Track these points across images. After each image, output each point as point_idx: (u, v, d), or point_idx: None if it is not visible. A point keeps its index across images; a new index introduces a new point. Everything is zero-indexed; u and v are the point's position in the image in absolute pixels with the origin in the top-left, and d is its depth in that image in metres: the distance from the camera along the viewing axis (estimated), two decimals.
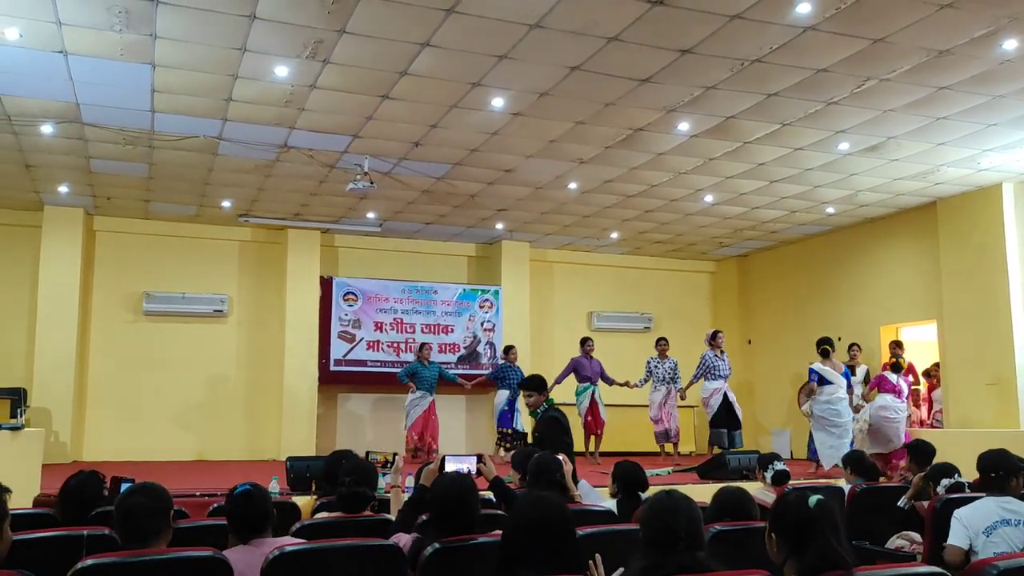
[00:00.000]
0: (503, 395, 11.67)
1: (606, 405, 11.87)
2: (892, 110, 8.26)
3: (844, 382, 9.76)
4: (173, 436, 12.22)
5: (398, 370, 12.07)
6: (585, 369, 11.74)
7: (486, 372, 12.63)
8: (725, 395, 11.07)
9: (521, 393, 11.26)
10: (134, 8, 6.22)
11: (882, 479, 7.73)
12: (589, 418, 11.60)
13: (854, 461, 6.33)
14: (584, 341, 11.91)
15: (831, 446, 9.50)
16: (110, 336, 12.35)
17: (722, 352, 11.30)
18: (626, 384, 11.76)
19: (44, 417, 11.07)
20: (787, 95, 7.87)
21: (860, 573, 2.59)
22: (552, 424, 6.29)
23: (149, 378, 12.33)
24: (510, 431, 11.51)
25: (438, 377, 11.70)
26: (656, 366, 11.61)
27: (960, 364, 11.09)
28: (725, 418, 11.06)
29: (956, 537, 4.14)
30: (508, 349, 12.20)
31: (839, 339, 12.73)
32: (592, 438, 11.63)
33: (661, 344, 11.72)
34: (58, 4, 6.16)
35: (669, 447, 11.56)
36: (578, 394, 11.74)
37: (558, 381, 11.66)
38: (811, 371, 9.83)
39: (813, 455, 10.22)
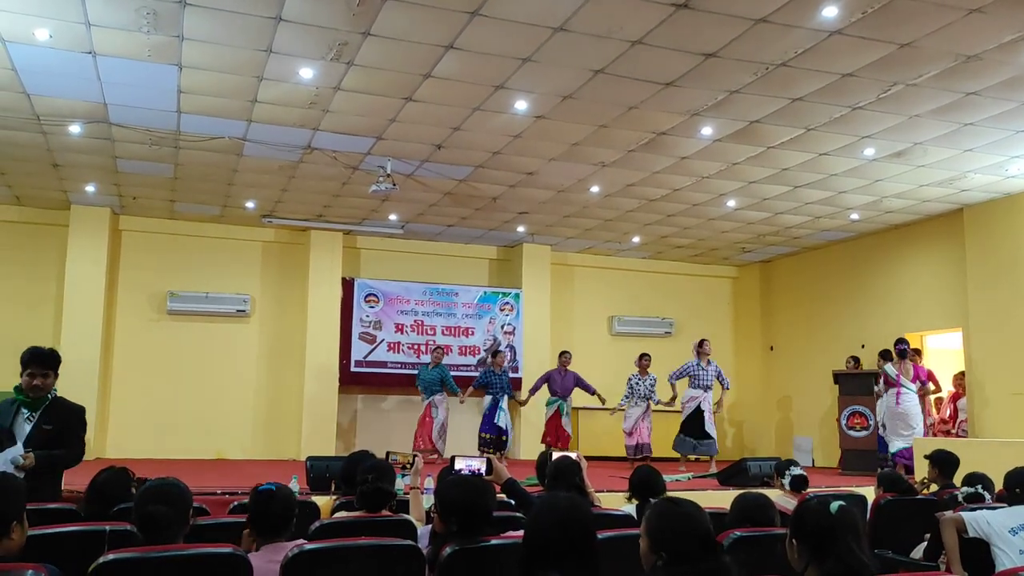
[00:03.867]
0: (489, 399, 11.73)
1: (585, 409, 12.01)
2: (918, 115, 8.17)
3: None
4: (194, 434, 12.29)
5: (418, 372, 12.06)
6: (555, 383, 11.78)
7: (476, 375, 12.45)
8: (699, 405, 11.12)
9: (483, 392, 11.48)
10: (162, 10, 6.28)
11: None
12: (547, 433, 11.66)
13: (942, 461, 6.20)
14: (561, 354, 12.00)
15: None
16: (134, 334, 12.46)
17: (709, 362, 11.29)
18: (605, 406, 11.73)
19: None
20: (812, 99, 7.82)
21: None
22: (81, 415, 5.25)
23: (172, 377, 12.44)
24: (488, 436, 11.46)
25: (439, 381, 11.66)
26: (637, 383, 11.59)
27: (985, 373, 10.95)
28: (691, 426, 11.17)
29: (970, 519, 4.23)
30: (495, 353, 12.21)
31: (863, 347, 12.64)
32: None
33: (643, 360, 11.69)
34: (87, 5, 6.23)
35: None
36: (547, 405, 11.85)
37: (532, 392, 12.00)
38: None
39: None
